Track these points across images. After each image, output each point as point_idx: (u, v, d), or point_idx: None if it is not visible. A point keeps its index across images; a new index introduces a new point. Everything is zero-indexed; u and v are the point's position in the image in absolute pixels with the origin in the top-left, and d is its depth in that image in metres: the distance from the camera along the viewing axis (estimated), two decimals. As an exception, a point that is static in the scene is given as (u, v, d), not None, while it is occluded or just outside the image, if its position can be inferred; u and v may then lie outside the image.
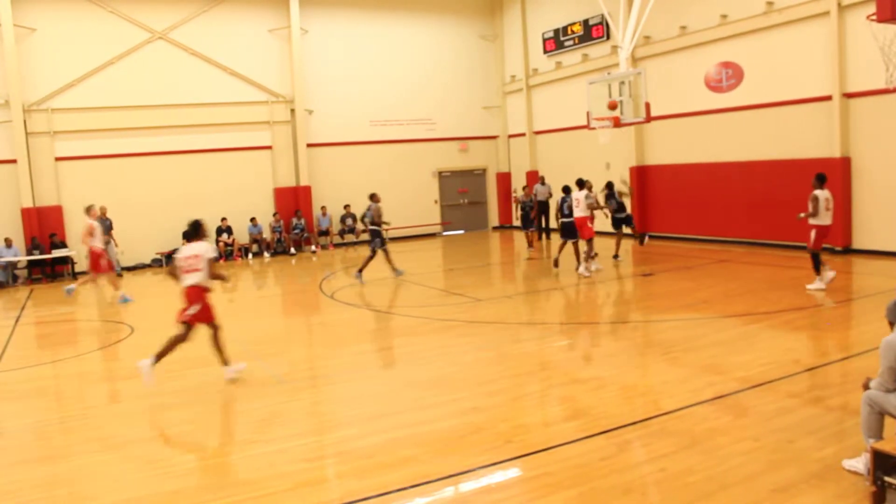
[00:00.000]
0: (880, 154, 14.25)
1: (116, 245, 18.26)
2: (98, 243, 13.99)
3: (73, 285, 15.00)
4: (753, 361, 7.76)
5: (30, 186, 18.79)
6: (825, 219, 11.11)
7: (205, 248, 7.98)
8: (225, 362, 8.15)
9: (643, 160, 20.01)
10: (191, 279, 7.88)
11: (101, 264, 14.01)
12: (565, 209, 14.55)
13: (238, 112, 21.46)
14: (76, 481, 5.68)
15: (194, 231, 8.16)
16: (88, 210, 14.16)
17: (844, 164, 14.76)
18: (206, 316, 8.01)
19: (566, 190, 14.82)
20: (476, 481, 5.22)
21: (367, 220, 15.22)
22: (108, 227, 17.48)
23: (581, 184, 14.68)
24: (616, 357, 8.82)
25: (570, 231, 14.55)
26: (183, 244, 8.40)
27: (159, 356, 7.89)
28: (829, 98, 14.91)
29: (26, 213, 18.71)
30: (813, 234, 11.22)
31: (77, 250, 18.35)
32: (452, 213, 25.29)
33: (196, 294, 7.91)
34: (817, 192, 11.12)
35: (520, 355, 8.95)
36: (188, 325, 7.95)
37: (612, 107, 14.96)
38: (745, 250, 16.30)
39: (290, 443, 6.19)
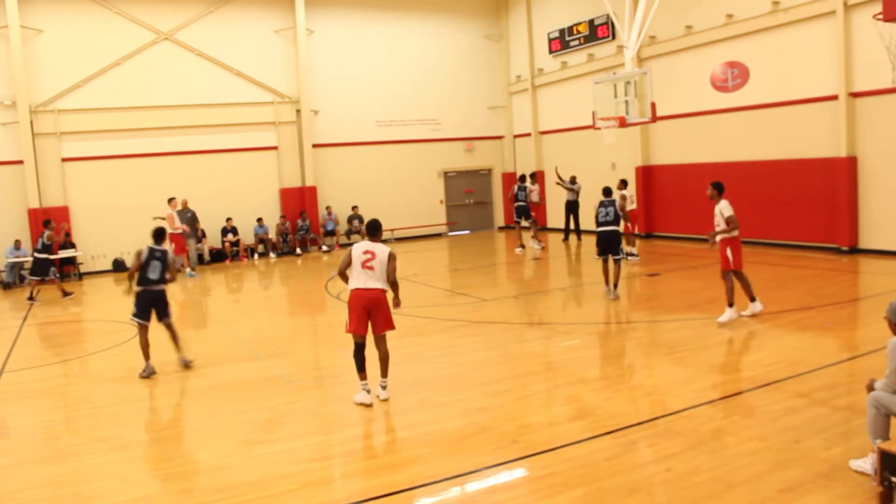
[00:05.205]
0: (887, 153, 14.18)
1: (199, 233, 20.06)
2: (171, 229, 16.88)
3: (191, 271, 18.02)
4: (760, 361, 7.75)
5: (36, 187, 18.86)
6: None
7: (723, 206, 9.62)
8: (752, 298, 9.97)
9: (649, 160, 19.97)
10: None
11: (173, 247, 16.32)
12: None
13: (244, 113, 21.49)
14: (82, 481, 5.69)
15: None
16: (170, 201, 17.81)
17: (851, 163, 14.70)
18: (725, 264, 9.71)
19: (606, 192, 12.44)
20: (482, 481, 5.22)
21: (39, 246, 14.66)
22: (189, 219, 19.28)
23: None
24: (622, 357, 8.82)
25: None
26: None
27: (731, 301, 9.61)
28: (835, 97, 14.86)
29: (33, 214, 18.76)
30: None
31: (83, 250, 18.52)
32: (458, 214, 25.27)
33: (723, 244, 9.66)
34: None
35: (525, 355, 8.94)
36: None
37: None
38: (750, 250, 16.17)
39: (296, 443, 6.20)
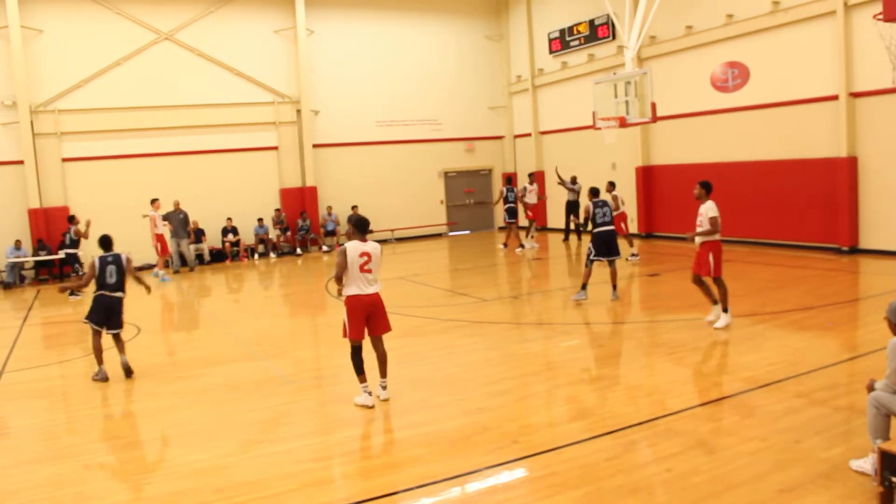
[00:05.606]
0: (887, 153, 14.18)
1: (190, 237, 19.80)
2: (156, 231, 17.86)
3: (160, 273, 17.75)
4: (760, 361, 7.74)
5: (37, 187, 18.86)
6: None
7: (709, 207, 9.48)
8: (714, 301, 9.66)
9: (649, 160, 19.97)
10: (698, 238, 9.53)
11: (158, 248, 17.90)
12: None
13: (244, 113, 21.49)
14: (82, 481, 5.69)
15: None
16: (153, 202, 17.95)
17: (851, 163, 14.70)
18: (704, 270, 9.48)
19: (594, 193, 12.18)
20: (482, 481, 5.22)
21: None
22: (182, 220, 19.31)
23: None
24: (622, 357, 8.82)
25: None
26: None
27: (725, 307, 9.45)
28: (835, 97, 14.86)
29: (33, 214, 18.77)
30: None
31: (84, 251, 18.49)
32: (458, 214, 25.27)
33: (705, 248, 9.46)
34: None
35: (525, 355, 8.94)
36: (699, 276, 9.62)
37: None
38: (750, 250, 16.25)
39: (296, 443, 6.20)
